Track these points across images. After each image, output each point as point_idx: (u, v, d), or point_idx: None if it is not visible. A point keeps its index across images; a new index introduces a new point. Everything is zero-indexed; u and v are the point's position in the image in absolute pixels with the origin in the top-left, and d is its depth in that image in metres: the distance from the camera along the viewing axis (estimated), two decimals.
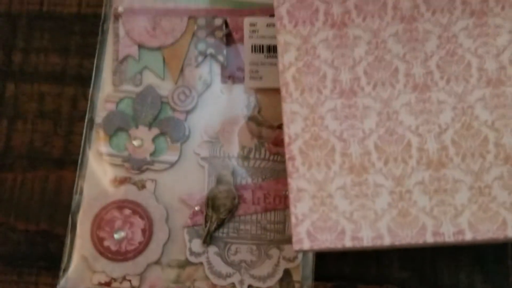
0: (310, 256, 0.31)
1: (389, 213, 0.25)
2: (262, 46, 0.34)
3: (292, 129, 0.27)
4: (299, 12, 0.28)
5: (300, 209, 0.26)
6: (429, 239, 0.24)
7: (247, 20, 0.35)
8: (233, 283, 0.31)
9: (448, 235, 0.24)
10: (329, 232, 0.25)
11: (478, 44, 0.27)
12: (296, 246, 0.25)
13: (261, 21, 0.34)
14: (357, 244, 0.25)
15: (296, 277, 0.31)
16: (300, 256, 0.31)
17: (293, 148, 0.26)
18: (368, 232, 0.25)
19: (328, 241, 0.25)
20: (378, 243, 0.25)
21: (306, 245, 0.25)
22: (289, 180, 0.26)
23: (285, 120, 0.27)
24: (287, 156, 0.27)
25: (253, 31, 0.34)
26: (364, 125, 0.27)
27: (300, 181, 0.26)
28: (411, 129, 0.26)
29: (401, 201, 0.25)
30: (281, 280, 0.31)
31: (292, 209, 0.26)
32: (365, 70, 0.27)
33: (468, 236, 0.24)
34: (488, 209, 0.25)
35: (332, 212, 0.25)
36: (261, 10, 0.35)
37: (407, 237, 0.25)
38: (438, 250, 0.32)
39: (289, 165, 0.26)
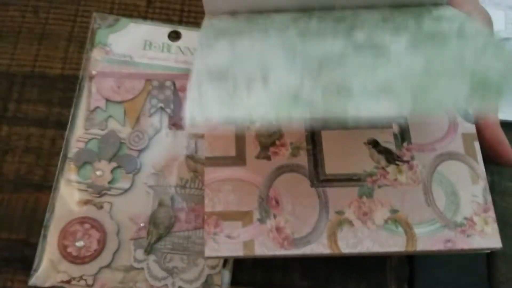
0: (229, 266, 0.38)
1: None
2: None
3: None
4: None
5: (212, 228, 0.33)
6: None
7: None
8: (166, 285, 0.37)
9: None
10: (229, 246, 0.32)
11: None
12: (206, 254, 0.32)
13: None
14: (250, 254, 0.32)
15: (217, 281, 0.38)
16: (220, 265, 0.38)
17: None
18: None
19: (228, 252, 0.32)
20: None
21: (213, 254, 0.32)
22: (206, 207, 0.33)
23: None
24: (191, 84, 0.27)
25: None
26: None
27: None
28: None
29: None
30: (204, 283, 0.37)
31: (206, 227, 0.33)
32: None
33: None
34: None
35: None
36: None
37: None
38: (332, 264, 0.39)
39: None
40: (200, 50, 0.30)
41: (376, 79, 0.26)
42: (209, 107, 0.25)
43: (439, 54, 0.28)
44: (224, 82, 0.26)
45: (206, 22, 0.34)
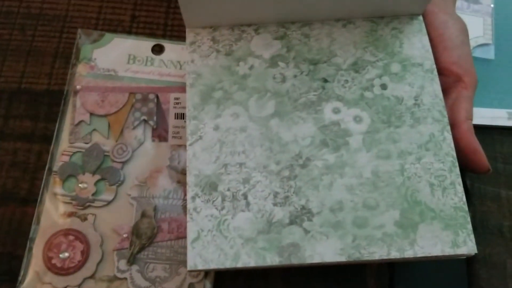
0: (211, 274, 0.39)
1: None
2: (183, 114, 0.43)
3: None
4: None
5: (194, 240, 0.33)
6: None
7: (172, 95, 0.44)
8: None
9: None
10: (213, 258, 0.32)
11: None
12: (189, 267, 0.32)
13: (183, 96, 0.44)
14: (235, 265, 0.32)
15: None
16: (202, 274, 0.39)
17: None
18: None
19: (213, 264, 0.32)
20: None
21: (195, 267, 0.32)
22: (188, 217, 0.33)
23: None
24: (188, 196, 0.34)
25: (177, 103, 0.43)
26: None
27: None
28: None
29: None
30: None
31: (188, 243, 0.33)
32: None
33: None
34: None
35: (219, 245, 0.33)
36: (183, 88, 0.44)
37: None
38: (314, 271, 0.40)
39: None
40: (190, 136, 0.36)
41: (331, 198, 0.34)
42: (208, 259, 0.32)
43: (385, 164, 0.34)
44: (215, 197, 0.34)
45: (191, 78, 0.38)
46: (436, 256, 0.32)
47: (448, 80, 0.37)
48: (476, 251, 0.32)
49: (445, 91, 0.36)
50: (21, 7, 0.48)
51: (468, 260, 0.40)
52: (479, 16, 0.47)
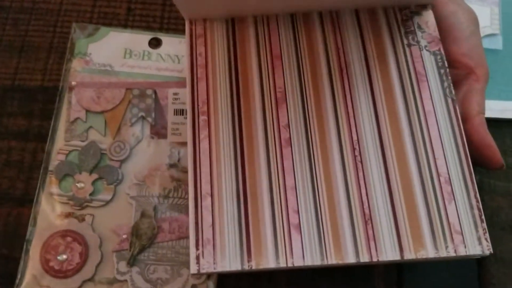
0: (214, 275, 0.38)
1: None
2: (182, 110, 0.42)
3: None
4: None
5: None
6: None
7: (171, 91, 0.42)
8: None
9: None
10: (216, 261, 0.31)
11: None
12: (191, 271, 0.31)
13: (182, 91, 0.42)
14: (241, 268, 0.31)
15: None
16: (205, 275, 0.38)
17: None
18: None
19: (218, 267, 0.31)
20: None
21: (199, 270, 0.31)
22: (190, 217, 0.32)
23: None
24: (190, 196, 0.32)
25: (175, 99, 0.42)
26: None
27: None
28: None
29: None
30: None
31: (192, 246, 0.31)
32: None
33: None
34: None
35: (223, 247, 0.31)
36: (182, 83, 0.42)
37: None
38: (319, 271, 0.39)
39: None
40: None
41: None
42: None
43: None
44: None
45: None
46: (453, 257, 0.31)
47: (459, 73, 0.36)
48: (491, 251, 0.31)
49: (456, 84, 0.35)
50: (13, 1, 0.46)
51: (479, 257, 0.39)
52: (486, 6, 0.46)
